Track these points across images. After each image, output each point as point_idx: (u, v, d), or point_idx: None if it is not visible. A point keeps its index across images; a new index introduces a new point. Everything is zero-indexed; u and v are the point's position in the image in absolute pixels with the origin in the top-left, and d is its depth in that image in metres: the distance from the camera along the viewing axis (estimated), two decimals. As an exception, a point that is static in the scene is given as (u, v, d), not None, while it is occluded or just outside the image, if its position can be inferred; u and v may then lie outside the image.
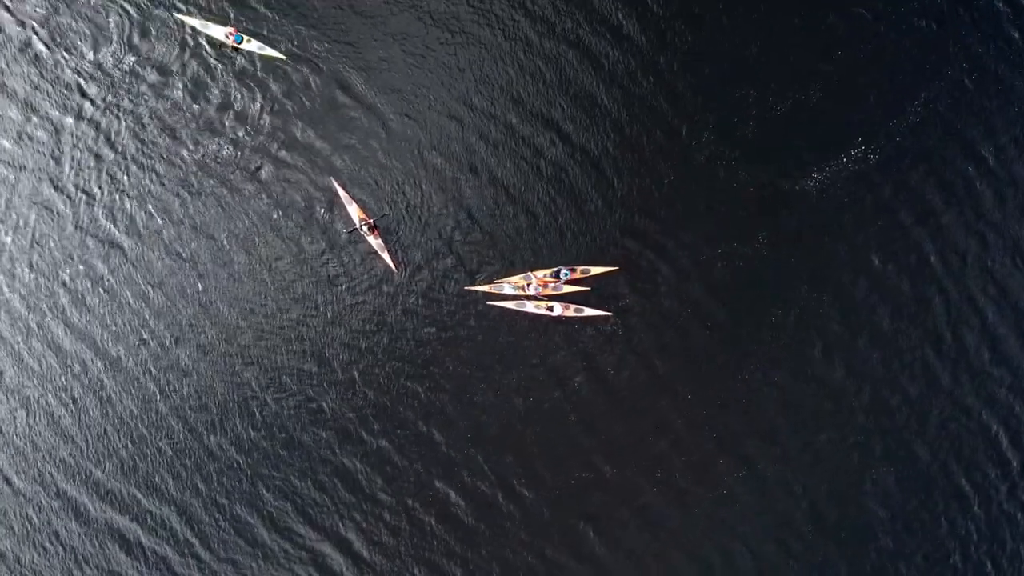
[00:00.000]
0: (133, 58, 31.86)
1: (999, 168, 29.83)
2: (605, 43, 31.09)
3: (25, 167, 31.59)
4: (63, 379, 30.54)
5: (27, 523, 30.00)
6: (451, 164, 30.70)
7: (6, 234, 31.35)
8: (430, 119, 30.95)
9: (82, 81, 31.87)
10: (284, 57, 31.47)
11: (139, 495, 29.76)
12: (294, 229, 30.72)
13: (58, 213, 31.26)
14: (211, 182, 31.12)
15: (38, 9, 32.42)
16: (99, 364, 30.49)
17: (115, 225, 31.10)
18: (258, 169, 31.06)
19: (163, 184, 31.22)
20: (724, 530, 28.59)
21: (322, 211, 30.74)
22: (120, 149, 31.45)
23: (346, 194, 30.50)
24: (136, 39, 31.95)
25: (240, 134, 31.26)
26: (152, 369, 30.36)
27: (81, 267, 30.99)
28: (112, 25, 32.05)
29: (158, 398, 30.19)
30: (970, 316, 29.21)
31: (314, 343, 30.11)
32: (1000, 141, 29.99)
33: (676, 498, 28.76)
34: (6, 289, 31.10)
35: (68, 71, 31.96)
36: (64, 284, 30.97)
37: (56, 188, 31.41)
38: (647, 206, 30.06)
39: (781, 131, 30.25)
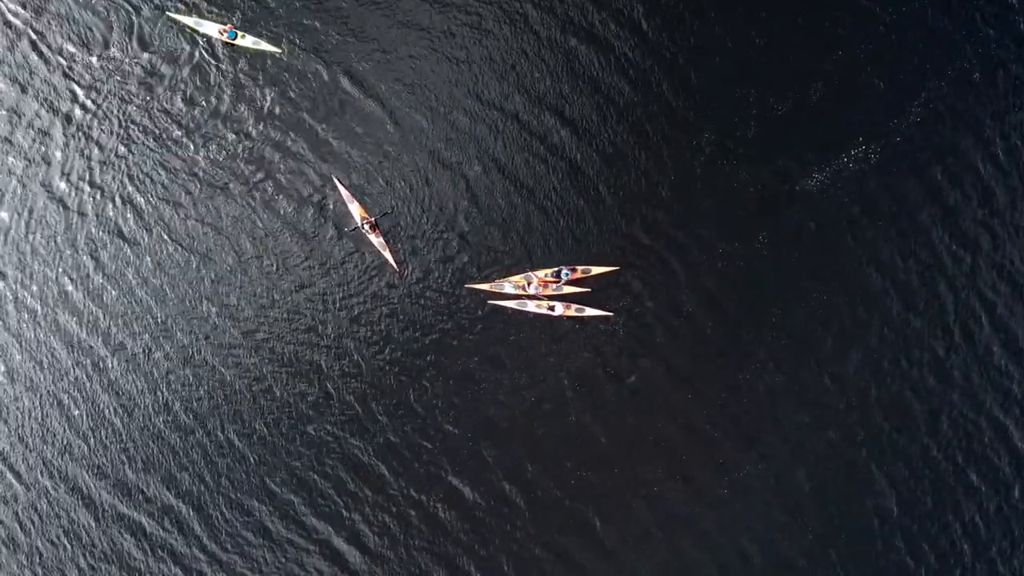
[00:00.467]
0: (129, 58, 31.74)
1: (1006, 165, 29.79)
2: (606, 43, 31.01)
3: (26, 166, 31.62)
4: (68, 373, 30.62)
5: (35, 516, 30.16)
6: (452, 164, 30.68)
7: (10, 229, 31.38)
8: (432, 117, 30.89)
9: (79, 82, 31.76)
10: (280, 51, 31.37)
11: (146, 488, 29.91)
12: (295, 227, 30.74)
13: (61, 209, 31.26)
14: (210, 181, 31.10)
15: (32, 10, 32.27)
16: (105, 358, 30.56)
17: (118, 223, 31.10)
18: (257, 167, 31.02)
19: (162, 182, 31.20)
20: (730, 526, 28.69)
21: (323, 209, 30.75)
22: (119, 149, 31.41)
23: (347, 192, 30.51)
24: (131, 39, 31.77)
25: (238, 131, 31.22)
26: (157, 363, 30.43)
27: (77, 266, 31.01)
28: (107, 26, 31.90)
29: (164, 392, 30.29)
30: (978, 311, 29.22)
31: (315, 340, 30.19)
32: (1008, 137, 29.95)
33: (681, 494, 28.83)
34: (13, 284, 31.14)
35: (65, 72, 31.85)
36: (71, 278, 31.00)
37: (57, 186, 31.41)
38: (648, 206, 30.08)
39: (782, 131, 30.23)
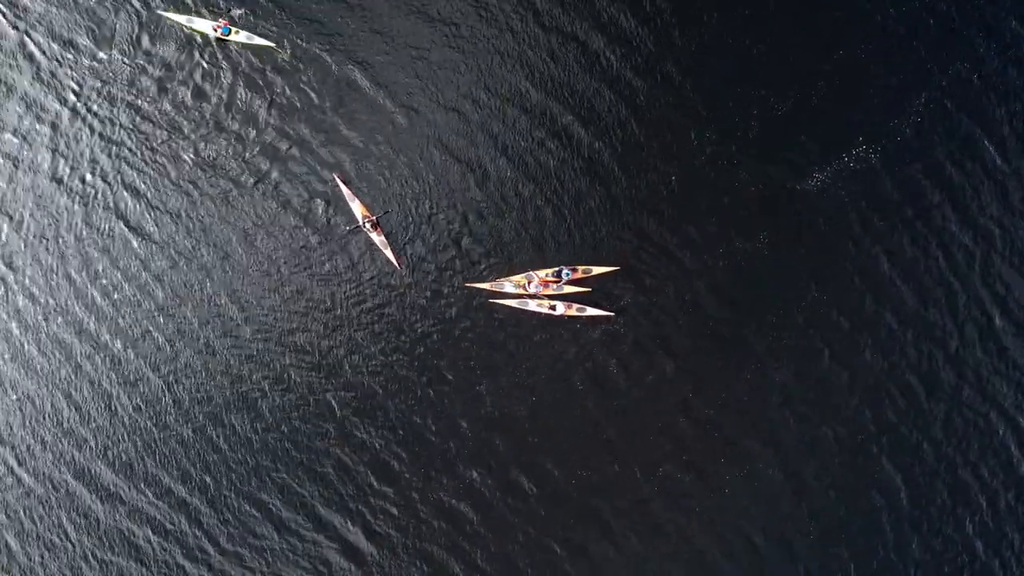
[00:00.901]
0: (123, 58, 31.78)
1: (1007, 165, 29.90)
2: (607, 44, 31.05)
3: (27, 164, 31.64)
4: (69, 375, 30.68)
5: (36, 518, 30.20)
6: (453, 163, 30.72)
7: (10, 229, 31.41)
8: (433, 116, 30.94)
9: (74, 81, 31.76)
10: (274, 45, 31.32)
11: (146, 490, 29.97)
12: (296, 226, 30.79)
13: (60, 209, 31.30)
14: (209, 180, 31.12)
15: (26, 12, 32.26)
16: (105, 359, 30.64)
17: (118, 222, 31.14)
18: (257, 166, 31.07)
19: (162, 181, 31.23)
20: (730, 525, 28.80)
21: (324, 207, 30.79)
22: (118, 149, 31.45)
23: (348, 190, 30.55)
24: (124, 39, 31.81)
25: (237, 130, 31.24)
26: (157, 364, 30.51)
27: (84, 263, 31.06)
28: (99, 26, 31.93)
29: (164, 393, 30.35)
30: (975, 313, 29.35)
31: (317, 338, 30.24)
32: (1008, 136, 30.02)
33: (685, 489, 28.97)
34: (14, 285, 31.17)
35: (63, 72, 31.85)
36: (70, 279, 31.06)
37: (57, 184, 31.43)
38: (649, 206, 30.14)
39: (783, 131, 30.29)
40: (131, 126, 31.55)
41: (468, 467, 29.38)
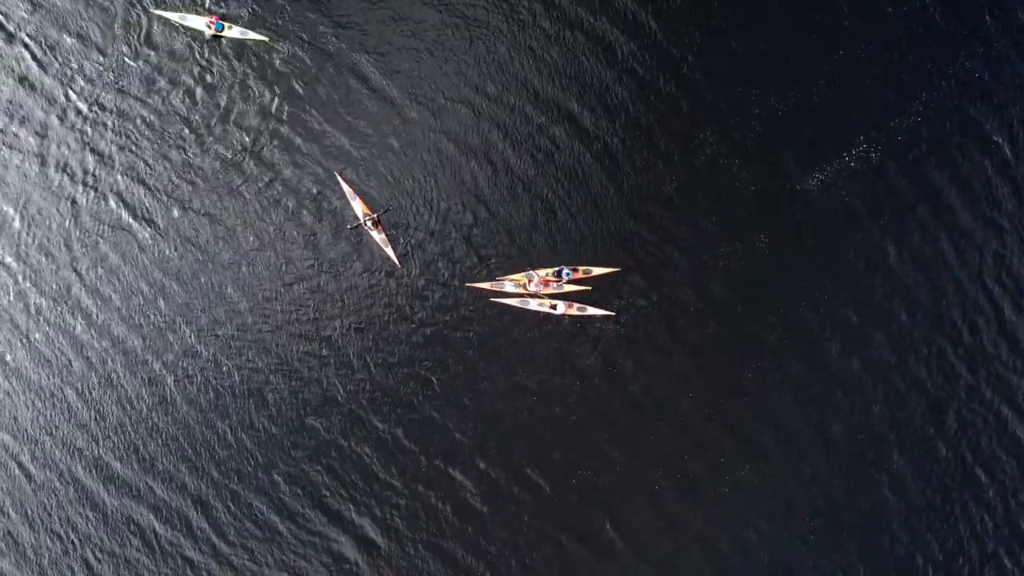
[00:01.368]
0: (118, 57, 31.58)
1: (1007, 164, 30.01)
2: (609, 45, 31.04)
3: (27, 166, 31.62)
4: (76, 368, 30.65)
5: (43, 512, 30.24)
6: (454, 162, 30.71)
7: (18, 225, 31.33)
8: (435, 114, 30.90)
9: (71, 81, 31.61)
10: (268, 40, 31.22)
11: (153, 483, 30.00)
12: (297, 224, 30.76)
13: (60, 208, 31.23)
14: (208, 180, 31.00)
15: (18, 11, 32.15)
16: (112, 353, 30.59)
17: (122, 219, 31.08)
18: (256, 164, 30.96)
19: (161, 181, 31.12)
20: (736, 521, 28.95)
21: (325, 205, 30.78)
22: (117, 149, 31.31)
23: (349, 188, 30.56)
24: (119, 37, 31.64)
25: (232, 127, 31.11)
26: (164, 358, 30.49)
27: (91, 259, 31.01)
28: (93, 25, 31.73)
29: (171, 387, 30.35)
30: (982, 308, 29.49)
31: (317, 336, 30.26)
32: (1009, 136, 30.14)
33: (682, 491, 29.11)
34: (22, 279, 31.11)
35: (52, 72, 31.72)
36: (77, 273, 30.96)
37: (57, 185, 31.34)
38: (649, 206, 30.20)
39: (783, 130, 30.35)
40: (124, 125, 31.38)
41: (473, 460, 29.42)
